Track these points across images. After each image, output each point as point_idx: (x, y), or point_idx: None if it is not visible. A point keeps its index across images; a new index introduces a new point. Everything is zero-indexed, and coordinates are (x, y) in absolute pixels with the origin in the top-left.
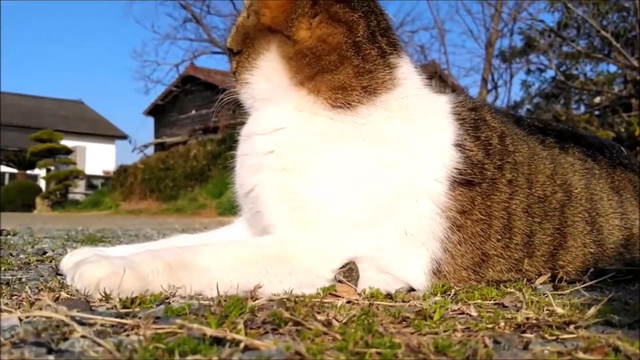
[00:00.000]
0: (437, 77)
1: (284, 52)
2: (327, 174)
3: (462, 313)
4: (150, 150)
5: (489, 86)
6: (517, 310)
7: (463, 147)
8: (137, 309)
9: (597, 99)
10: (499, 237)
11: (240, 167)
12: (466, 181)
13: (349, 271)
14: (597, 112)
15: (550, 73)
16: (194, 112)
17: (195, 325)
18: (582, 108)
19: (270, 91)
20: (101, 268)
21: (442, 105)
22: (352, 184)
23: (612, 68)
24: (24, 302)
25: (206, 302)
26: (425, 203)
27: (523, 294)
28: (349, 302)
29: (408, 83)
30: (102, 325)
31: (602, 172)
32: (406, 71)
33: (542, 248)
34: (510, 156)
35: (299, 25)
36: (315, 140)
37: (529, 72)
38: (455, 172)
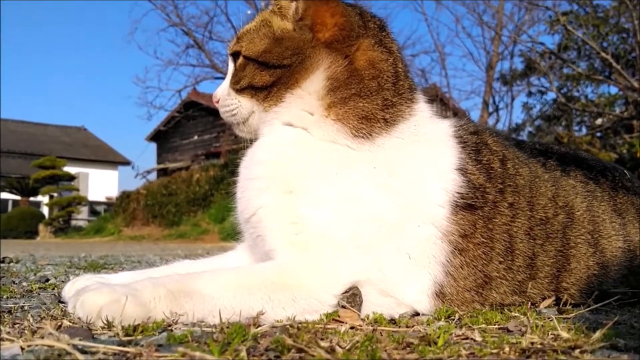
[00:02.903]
0: (438, 100)
1: (332, 71)
2: (331, 199)
3: (467, 338)
4: (152, 176)
5: (490, 109)
6: (522, 335)
7: (465, 171)
8: (139, 337)
9: (599, 121)
10: (501, 259)
11: (243, 192)
12: (468, 205)
13: (352, 296)
14: (599, 134)
15: (551, 95)
16: (196, 137)
17: (197, 353)
18: (584, 130)
19: (296, 112)
20: (103, 296)
21: (445, 129)
22: (355, 209)
23: (613, 90)
24: (26, 331)
25: (209, 330)
26: (427, 227)
27: (527, 318)
28: (352, 327)
29: (420, 114)
30: (104, 353)
31: (604, 195)
32: (421, 105)
33: (545, 270)
34: (511, 179)
35: (357, 45)
36: (325, 166)
37: (529, 94)
38: (457, 196)
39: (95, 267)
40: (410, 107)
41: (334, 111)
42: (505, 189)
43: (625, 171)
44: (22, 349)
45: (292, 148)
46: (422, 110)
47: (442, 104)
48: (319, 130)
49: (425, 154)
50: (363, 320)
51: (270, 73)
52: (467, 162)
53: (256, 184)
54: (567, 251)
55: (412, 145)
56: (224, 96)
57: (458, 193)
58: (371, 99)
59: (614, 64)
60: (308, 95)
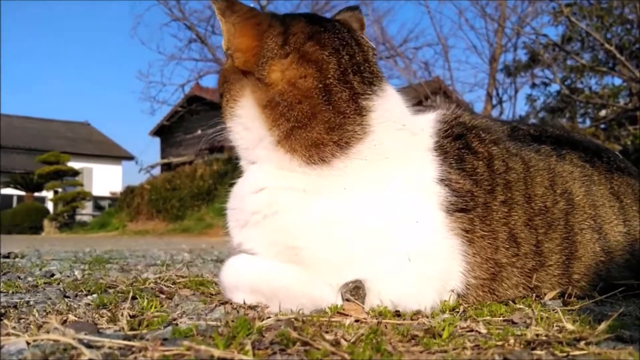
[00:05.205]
0: (441, 93)
1: (258, 99)
2: (311, 232)
3: (471, 330)
4: (156, 171)
5: (494, 101)
6: (527, 327)
7: (449, 181)
8: (144, 331)
9: (603, 112)
10: (506, 249)
11: (230, 221)
12: (460, 209)
13: (356, 289)
14: (603, 126)
15: (555, 87)
16: (199, 132)
17: (202, 347)
18: (588, 122)
19: (251, 142)
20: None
21: (423, 142)
22: (342, 234)
23: (617, 81)
24: (31, 326)
25: (213, 323)
26: (418, 237)
27: (532, 310)
28: (357, 320)
29: (381, 128)
30: (109, 347)
31: (601, 178)
32: (381, 114)
33: (554, 258)
34: (501, 177)
35: (270, 67)
36: (295, 197)
37: (533, 86)
38: (444, 205)
39: (100, 261)
40: (362, 125)
41: (284, 146)
42: (495, 188)
43: (617, 153)
44: (28, 343)
45: (259, 183)
46: (383, 120)
47: (446, 96)
48: (273, 162)
49: (401, 171)
50: (368, 313)
51: (221, 103)
52: (449, 172)
53: (240, 215)
54: (572, 238)
55: (381, 164)
56: None
57: (447, 201)
58: (312, 125)
59: (618, 55)
60: (247, 124)
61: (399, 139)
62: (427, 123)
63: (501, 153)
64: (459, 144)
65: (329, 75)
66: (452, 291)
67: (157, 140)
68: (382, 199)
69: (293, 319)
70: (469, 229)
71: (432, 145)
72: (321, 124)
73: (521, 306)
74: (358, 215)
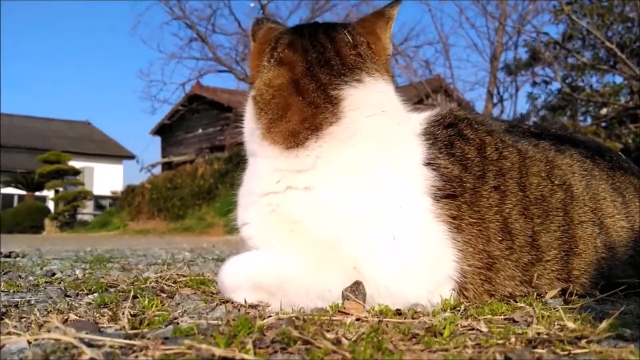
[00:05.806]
0: (442, 91)
1: (251, 97)
2: (293, 211)
3: (472, 329)
4: (157, 170)
5: (495, 99)
6: (528, 325)
7: (437, 166)
8: (145, 330)
9: (604, 111)
10: (500, 238)
11: (239, 205)
12: (446, 195)
13: (356, 287)
14: (604, 124)
15: (556, 85)
16: (200, 130)
17: (203, 346)
18: (589, 120)
19: (247, 134)
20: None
21: (410, 127)
22: (330, 213)
23: (618, 79)
24: (32, 325)
25: (214, 322)
26: (403, 218)
27: (533, 308)
28: (358, 319)
29: (354, 114)
30: (110, 346)
31: (602, 174)
32: (353, 101)
33: (552, 252)
34: (493, 164)
35: (259, 78)
36: (277, 177)
37: (534, 84)
38: (433, 189)
39: (101, 260)
40: (333, 112)
41: (268, 139)
42: (486, 174)
43: (620, 154)
44: (29, 342)
45: (254, 170)
46: (356, 106)
47: (447, 95)
48: (263, 154)
49: (381, 153)
50: (369, 311)
51: None
52: (437, 156)
53: (246, 198)
54: (572, 231)
55: (359, 146)
56: None
57: (434, 186)
58: (287, 116)
59: (619, 53)
60: (248, 118)
61: (376, 123)
62: (419, 115)
63: (494, 141)
64: (450, 131)
65: (297, 72)
66: (453, 290)
67: (157, 139)
68: (362, 180)
69: (294, 318)
70: (457, 215)
71: (420, 131)
72: (295, 115)
73: (522, 305)
74: (336, 196)
